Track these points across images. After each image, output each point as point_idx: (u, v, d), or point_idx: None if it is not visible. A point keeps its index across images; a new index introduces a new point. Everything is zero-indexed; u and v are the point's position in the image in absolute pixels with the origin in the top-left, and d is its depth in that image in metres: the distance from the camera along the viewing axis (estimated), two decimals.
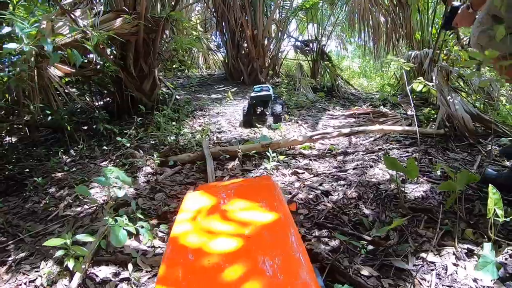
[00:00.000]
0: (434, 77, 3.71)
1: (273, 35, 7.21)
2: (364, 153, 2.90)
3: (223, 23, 6.69)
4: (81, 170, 2.98)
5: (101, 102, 4.55)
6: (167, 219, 2.00)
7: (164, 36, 5.21)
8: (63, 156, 3.28)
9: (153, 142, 3.22)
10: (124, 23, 3.62)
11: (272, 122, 3.93)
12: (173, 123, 3.45)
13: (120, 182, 1.92)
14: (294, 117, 4.17)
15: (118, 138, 2.78)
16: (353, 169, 2.55)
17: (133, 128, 3.52)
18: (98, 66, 3.92)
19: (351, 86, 6.94)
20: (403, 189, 2.09)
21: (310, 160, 2.80)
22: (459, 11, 1.96)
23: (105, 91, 4.41)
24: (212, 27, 8.72)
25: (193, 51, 8.24)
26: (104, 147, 3.27)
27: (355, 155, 2.86)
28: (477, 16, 1.82)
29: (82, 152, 3.28)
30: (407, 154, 2.84)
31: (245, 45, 6.59)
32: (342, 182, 2.34)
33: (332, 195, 2.16)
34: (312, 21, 7.19)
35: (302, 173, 2.50)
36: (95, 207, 2.15)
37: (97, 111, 3.81)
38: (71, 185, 2.60)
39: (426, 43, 5.39)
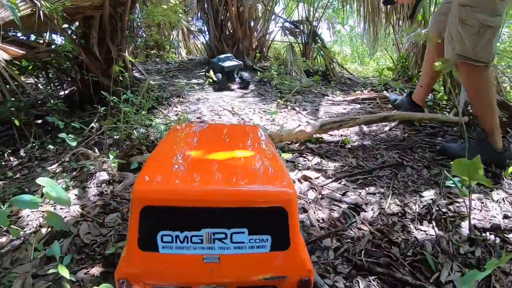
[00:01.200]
0: None
1: (260, 15, 6.55)
2: (386, 146, 2.31)
3: (205, 3, 6.00)
4: (25, 176, 2.32)
5: (66, 92, 3.84)
6: (114, 266, 1.12)
7: (136, 11, 4.52)
8: (11, 158, 2.60)
9: (117, 137, 2.53)
10: None
11: (241, 86, 4.35)
12: (143, 112, 2.76)
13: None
14: (290, 103, 3.56)
15: (62, 135, 2.04)
16: (380, 168, 1.94)
17: (95, 120, 2.85)
18: (53, 46, 3.25)
19: (345, 71, 6.37)
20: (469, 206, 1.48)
21: (322, 157, 2.15)
22: None
23: (69, 78, 3.70)
24: (194, 9, 7.94)
25: (172, 35, 7.46)
26: (51, 146, 2.60)
27: (377, 150, 2.25)
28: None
29: (33, 153, 2.61)
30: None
31: (230, 25, 5.91)
32: (372, 189, 1.72)
33: (365, 211, 1.54)
34: (302, 1, 6.56)
35: (317, 178, 1.84)
36: (22, 239, 1.47)
37: (52, 101, 3.14)
38: (6, 199, 1.93)
39: (428, 24, 4.88)
